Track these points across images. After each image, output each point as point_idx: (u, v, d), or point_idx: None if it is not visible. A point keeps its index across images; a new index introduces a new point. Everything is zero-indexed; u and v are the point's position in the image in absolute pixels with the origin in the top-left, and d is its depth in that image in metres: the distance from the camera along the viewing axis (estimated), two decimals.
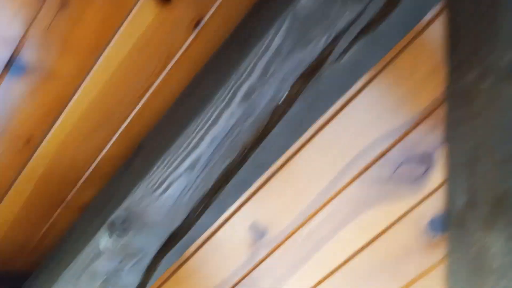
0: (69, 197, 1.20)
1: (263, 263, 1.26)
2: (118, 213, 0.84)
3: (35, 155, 1.04)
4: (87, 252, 0.87)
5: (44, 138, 1.01)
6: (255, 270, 1.27)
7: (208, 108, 0.71)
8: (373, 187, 1.13)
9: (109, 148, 1.10)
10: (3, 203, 1.12)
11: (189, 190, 0.82)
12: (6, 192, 1.10)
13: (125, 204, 0.83)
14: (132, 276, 0.92)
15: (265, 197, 1.22)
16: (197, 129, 0.74)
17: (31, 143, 1.01)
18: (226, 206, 0.86)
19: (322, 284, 1.25)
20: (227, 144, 0.74)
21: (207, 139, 0.74)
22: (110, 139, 1.08)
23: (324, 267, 1.24)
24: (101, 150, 1.10)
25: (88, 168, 1.14)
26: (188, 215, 0.85)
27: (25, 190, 1.12)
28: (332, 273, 1.24)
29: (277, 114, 0.73)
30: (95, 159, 1.12)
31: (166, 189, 0.82)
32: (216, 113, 0.72)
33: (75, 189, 1.18)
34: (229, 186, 0.83)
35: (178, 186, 0.82)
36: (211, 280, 1.31)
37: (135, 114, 1.03)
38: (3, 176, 1.06)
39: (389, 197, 1.13)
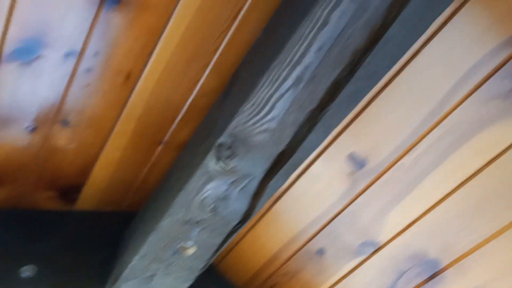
0: (167, 135, 1.22)
1: (363, 194, 1.21)
2: (223, 139, 0.83)
3: (134, 92, 1.06)
4: (196, 179, 0.88)
5: (142, 73, 1.02)
6: (354, 202, 1.23)
7: (314, 10, 0.65)
8: (490, 104, 1.01)
9: (204, 81, 1.09)
10: (108, 143, 1.18)
11: (294, 108, 0.78)
12: (110, 132, 1.15)
13: (229, 129, 0.82)
14: (240, 201, 0.92)
15: (363, 125, 1.15)
16: (302, 37, 0.68)
17: (130, 79, 1.02)
18: (334, 124, 0.81)
19: (428, 215, 1.18)
20: (337, 50, 0.68)
21: (314, 47, 0.69)
22: (204, 71, 1.07)
23: (430, 197, 1.16)
24: (196, 84, 1.10)
25: (184, 105, 1.15)
26: (294, 135, 0.82)
27: (127, 130, 1.16)
28: (438, 203, 1.16)
29: (392, 11, 0.65)
30: (190, 95, 1.12)
31: (271, 110, 0.79)
32: (324, 14, 0.65)
33: (173, 127, 1.20)
34: (337, 101, 0.77)
35: (283, 105, 0.78)
36: (309, 213, 1.30)
37: (227, 41, 1.00)
38: (107, 115, 1.10)
39: (508, 114, 1.00)
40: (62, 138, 1.11)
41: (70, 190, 1.28)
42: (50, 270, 1.17)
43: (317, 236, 1.31)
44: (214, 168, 0.85)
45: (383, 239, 1.23)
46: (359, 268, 1.28)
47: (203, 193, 0.90)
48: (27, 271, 1.13)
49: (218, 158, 0.84)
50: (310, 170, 1.24)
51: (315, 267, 1.35)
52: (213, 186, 0.88)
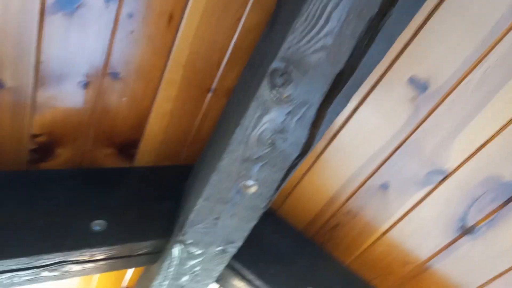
0: (215, 81, 1.20)
1: (428, 120, 1.14)
2: (276, 64, 0.79)
3: (178, 35, 1.03)
4: (251, 113, 0.85)
5: (184, 13, 0.99)
6: (418, 129, 1.16)
7: None
8: None
9: (247, 16, 1.04)
10: (159, 94, 1.17)
11: (353, 17, 0.72)
12: (159, 83, 1.14)
13: (282, 52, 0.77)
14: (299, 132, 0.88)
15: (422, 44, 1.06)
16: None
17: (173, 21, 0.99)
18: (396, 33, 0.74)
19: (500, 136, 1.09)
20: None
21: None
22: (246, 5, 1.02)
23: (502, 116, 1.07)
24: (239, 20, 1.05)
25: (229, 45, 1.11)
26: (354, 50, 0.76)
27: (175, 79, 1.15)
28: (511, 122, 1.06)
29: None
30: (234, 33, 1.08)
31: (326, 22, 0.73)
32: None
33: (220, 72, 1.17)
34: (398, 4, 0.70)
35: (340, 14, 0.72)
36: (370, 146, 1.25)
37: None
38: (155, 64, 1.08)
39: None
40: (114, 92, 1.11)
41: (127, 146, 1.30)
42: (119, 223, 1.21)
43: (380, 170, 1.25)
44: (269, 98, 0.81)
45: (451, 165, 1.16)
46: (427, 198, 1.22)
47: (260, 127, 0.87)
48: (97, 225, 1.17)
49: (273, 86, 0.81)
50: (368, 100, 1.18)
51: (379, 203, 1.31)
52: (270, 118, 0.85)
